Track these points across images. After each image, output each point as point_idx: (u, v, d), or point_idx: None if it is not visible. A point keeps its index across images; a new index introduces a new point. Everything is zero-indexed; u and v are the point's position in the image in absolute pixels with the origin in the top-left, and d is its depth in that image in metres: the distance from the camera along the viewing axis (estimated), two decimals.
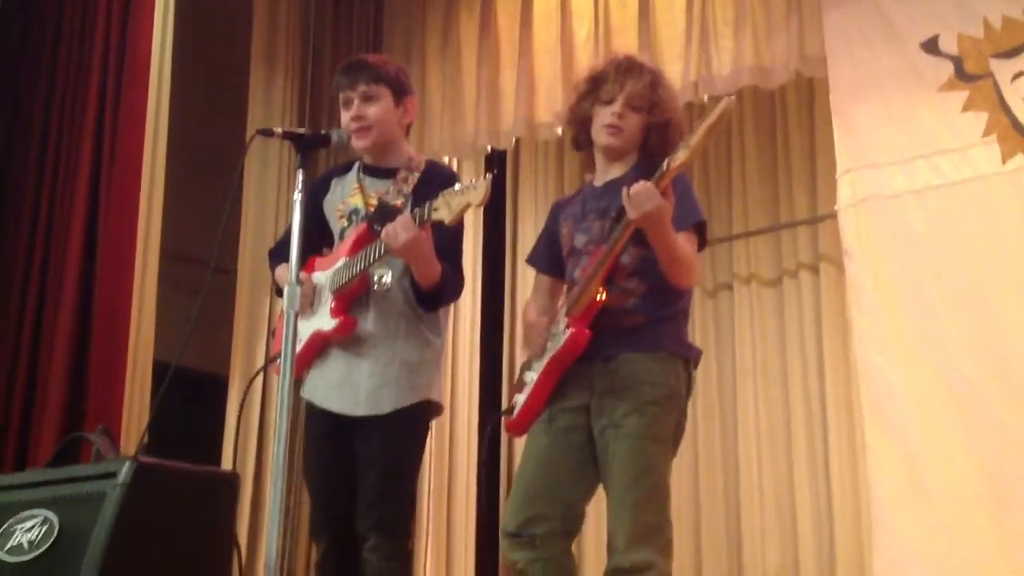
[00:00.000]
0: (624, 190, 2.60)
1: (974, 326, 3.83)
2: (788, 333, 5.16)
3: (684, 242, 2.71)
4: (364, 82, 3.07)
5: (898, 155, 4.08)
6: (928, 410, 3.84)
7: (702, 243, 2.81)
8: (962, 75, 3.99)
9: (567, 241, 2.90)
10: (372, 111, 3.06)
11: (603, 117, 2.84)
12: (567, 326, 2.72)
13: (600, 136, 2.86)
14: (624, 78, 2.83)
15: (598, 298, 2.70)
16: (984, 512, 3.67)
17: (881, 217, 4.08)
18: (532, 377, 2.81)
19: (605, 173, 2.89)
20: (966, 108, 3.96)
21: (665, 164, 2.58)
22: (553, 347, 2.76)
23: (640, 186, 2.56)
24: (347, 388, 2.96)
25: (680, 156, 2.56)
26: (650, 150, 2.81)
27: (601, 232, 2.76)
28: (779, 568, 4.89)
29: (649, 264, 2.70)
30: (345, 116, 3.09)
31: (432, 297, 2.96)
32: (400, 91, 3.12)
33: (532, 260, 3.09)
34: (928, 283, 3.94)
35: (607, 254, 2.68)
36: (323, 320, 2.99)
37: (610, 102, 2.83)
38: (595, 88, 2.88)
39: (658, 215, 2.56)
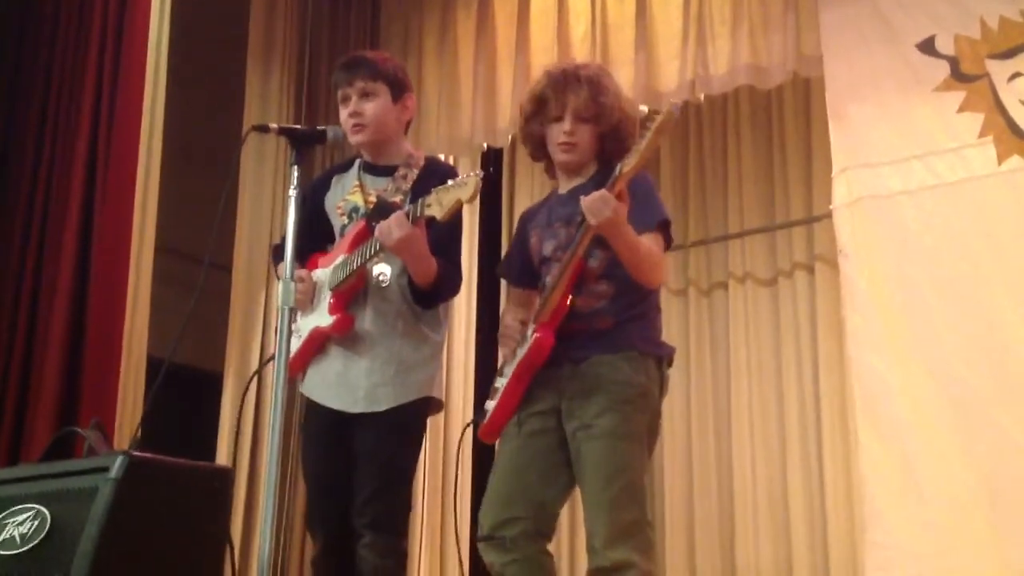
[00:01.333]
0: (581, 199, 2.62)
1: (969, 326, 3.83)
2: (783, 332, 5.17)
3: (648, 242, 2.72)
4: (362, 78, 3.07)
5: (894, 155, 4.08)
6: (922, 409, 3.85)
7: (668, 242, 2.82)
8: (958, 75, 3.99)
9: (536, 250, 2.91)
10: (369, 108, 3.06)
11: (555, 135, 2.86)
12: (534, 331, 2.74)
13: (556, 154, 2.88)
14: (565, 94, 2.84)
15: (566, 304, 2.71)
16: (977, 510, 3.67)
17: (876, 217, 4.08)
18: (502, 383, 2.82)
19: (568, 181, 2.92)
20: (962, 109, 3.96)
21: (617, 169, 2.61)
22: (521, 352, 2.77)
23: (595, 195, 2.59)
24: (345, 386, 2.97)
25: (631, 161, 2.58)
26: (607, 156, 2.83)
27: (568, 238, 2.77)
28: (772, 566, 4.90)
29: (617, 266, 2.72)
30: (343, 112, 3.10)
31: (428, 294, 2.96)
32: (398, 88, 3.12)
33: (502, 271, 3.12)
34: (923, 283, 3.94)
35: (569, 259, 2.70)
36: (321, 317, 3.00)
37: (558, 119, 2.85)
38: (540, 108, 2.89)
39: (615, 219, 2.58)
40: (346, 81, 3.09)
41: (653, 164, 3.07)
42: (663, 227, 2.79)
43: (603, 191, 2.58)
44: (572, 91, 2.83)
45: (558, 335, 2.71)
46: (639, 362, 2.72)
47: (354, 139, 3.09)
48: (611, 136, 2.82)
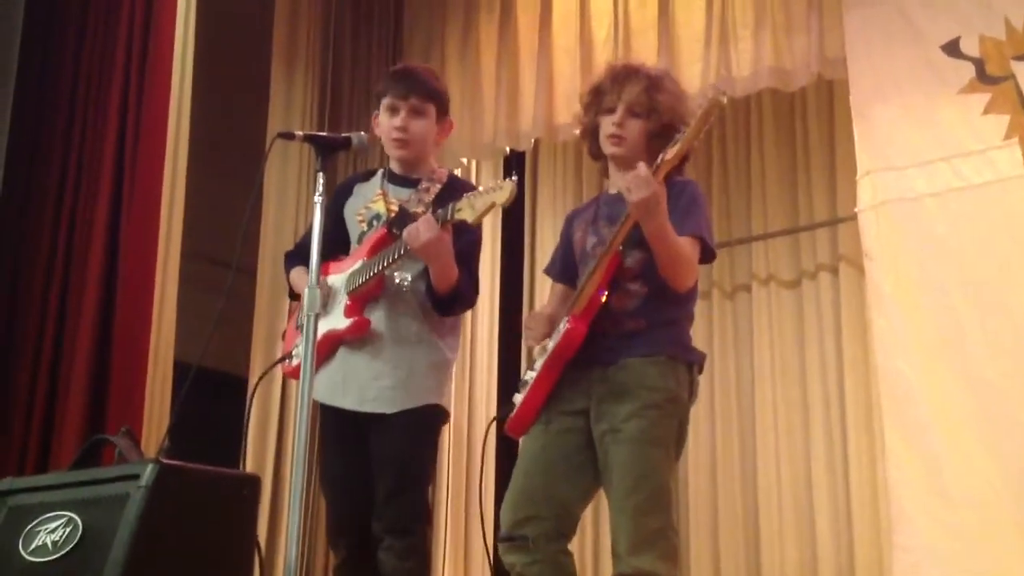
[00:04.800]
0: (621, 179, 2.63)
1: (995, 328, 3.81)
2: (807, 335, 5.15)
3: (684, 242, 2.71)
4: (416, 96, 3.11)
5: (919, 157, 4.06)
6: (948, 412, 3.83)
7: (706, 257, 2.80)
8: (983, 77, 3.97)
9: (579, 246, 2.91)
10: (417, 127, 3.12)
11: (605, 127, 2.85)
12: (566, 322, 2.73)
13: (605, 146, 2.87)
14: (622, 86, 2.84)
15: (600, 297, 2.71)
16: (1004, 513, 3.65)
17: (901, 219, 4.07)
18: (532, 376, 2.81)
19: (619, 180, 2.89)
20: (987, 110, 3.94)
21: (660, 158, 2.61)
22: (552, 344, 2.76)
23: (636, 172, 2.58)
24: (354, 385, 2.99)
25: (673, 150, 2.58)
26: (656, 155, 2.78)
27: (610, 236, 2.77)
28: (797, 569, 4.89)
29: (653, 268, 2.70)
30: (389, 122, 3.13)
31: (447, 301, 2.97)
32: (443, 110, 3.19)
33: (548, 269, 3.11)
34: (949, 286, 3.93)
35: (606, 251, 2.70)
36: (336, 320, 3.01)
37: (611, 111, 2.84)
38: (597, 99, 2.89)
39: (654, 200, 2.56)
40: (400, 94, 3.12)
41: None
42: (701, 240, 2.77)
43: (645, 171, 2.57)
44: (629, 83, 2.83)
45: (589, 334, 2.70)
46: (669, 367, 2.71)
47: (395, 153, 3.14)
48: (662, 135, 2.78)
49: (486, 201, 2.72)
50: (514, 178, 2.72)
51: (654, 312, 2.73)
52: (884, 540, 4.36)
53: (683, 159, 2.74)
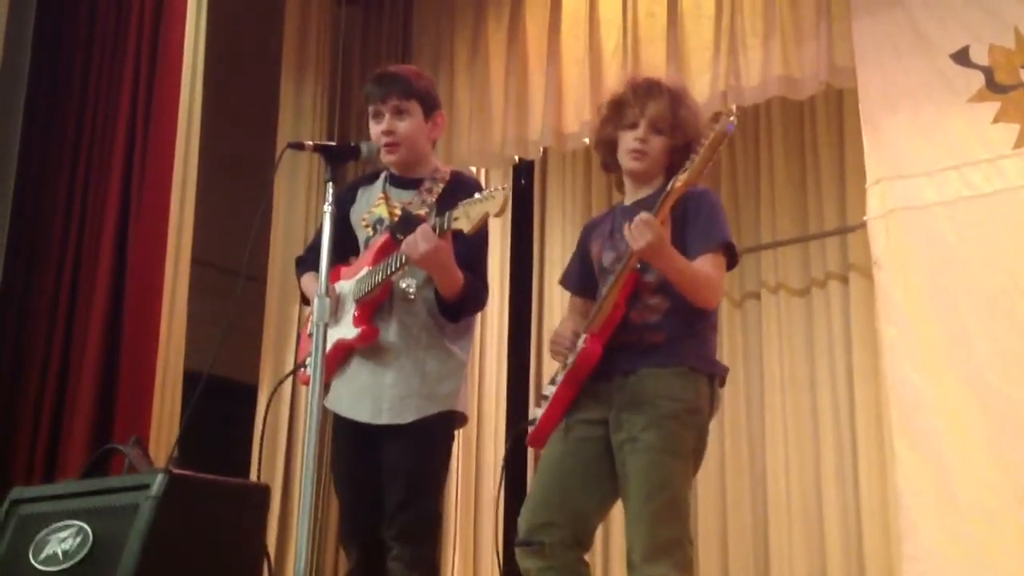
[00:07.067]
0: (625, 225, 2.62)
1: (1004, 337, 3.81)
2: (816, 343, 5.14)
3: (702, 263, 2.70)
4: (396, 96, 3.07)
5: (928, 166, 4.06)
6: (957, 421, 3.82)
7: (732, 262, 2.80)
8: (993, 86, 3.97)
9: (597, 259, 2.91)
10: (402, 126, 3.07)
11: (627, 142, 2.84)
12: (584, 341, 2.73)
13: (625, 161, 2.86)
14: (645, 101, 2.83)
15: (618, 314, 2.70)
16: (1013, 523, 3.64)
17: (911, 228, 4.07)
18: (552, 390, 2.82)
19: (635, 192, 2.90)
20: (997, 119, 3.94)
21: (669, 185, 2.62)
22: (571, 360, 2.77)
23: (637, 220, 2.59)
24: (369, 398, 2.97)
25: (682, 177, 2.59)
26: (674, 171, 2.77)
27: (627, 250, 2.76)
28: None
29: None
30: (375, 129, 3.10)
31: (454, 308, 2.95)
32: (430, 106, 3.13)
33: (564, 281, 3.10)
34: (958, 294, 3.92)
35: (621, 272, 2.70)
36: (346, 329, 3.00)
37: (633, 126, 2.83)
38: (617, 112, 2.88)
39: (657, 244, 2.58)
40: (379, 98, 3.09)
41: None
42: (725, 248, 2.76)
43: (646, 215, 2.58)
44: (653, 99, 2.82)
45: (610, 347, 2.70)
46: (689, 378, 2.70)
47: (388, 159, 3.10)
48: (682, 151, 2.77)
49: (480, 211, 2.69)
50: (506, 187, 2.70)
51: (676, 325, 2.72)
52: (893, 549, 4.34)
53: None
